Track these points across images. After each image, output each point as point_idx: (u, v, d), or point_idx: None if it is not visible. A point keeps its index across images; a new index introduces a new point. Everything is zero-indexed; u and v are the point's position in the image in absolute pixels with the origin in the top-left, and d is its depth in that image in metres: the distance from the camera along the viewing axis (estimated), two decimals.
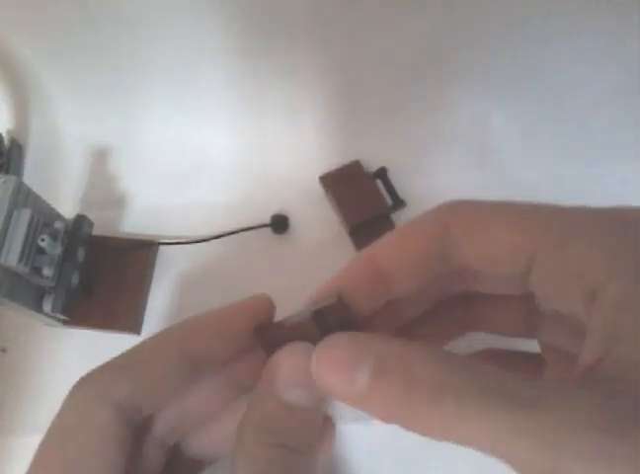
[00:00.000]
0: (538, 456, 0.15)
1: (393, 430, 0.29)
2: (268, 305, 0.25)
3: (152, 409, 0.24)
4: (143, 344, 0.24)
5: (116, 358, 0.24)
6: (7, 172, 0.38)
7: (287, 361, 0.22)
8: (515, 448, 0.15)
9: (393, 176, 0.37)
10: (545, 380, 0.18)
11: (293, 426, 0.21)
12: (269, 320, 0.25)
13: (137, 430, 0.23)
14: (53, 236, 0.31)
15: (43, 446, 0.22)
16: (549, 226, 0.20)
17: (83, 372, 0.36)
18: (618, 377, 0.16)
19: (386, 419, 0.18)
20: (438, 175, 0.39)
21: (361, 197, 0.37)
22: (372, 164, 0.38)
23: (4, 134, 0.38)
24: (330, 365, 0.19)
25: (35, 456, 0.22)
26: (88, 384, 0.23)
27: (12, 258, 0.29)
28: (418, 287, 0.22)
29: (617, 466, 0.14)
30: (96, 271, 0.36)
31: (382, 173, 0.37)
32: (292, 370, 0.21)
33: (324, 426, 0.25)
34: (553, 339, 0.24)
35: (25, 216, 0.30)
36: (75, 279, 0.34)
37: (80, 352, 0.35)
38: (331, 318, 0.21)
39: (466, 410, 0.16)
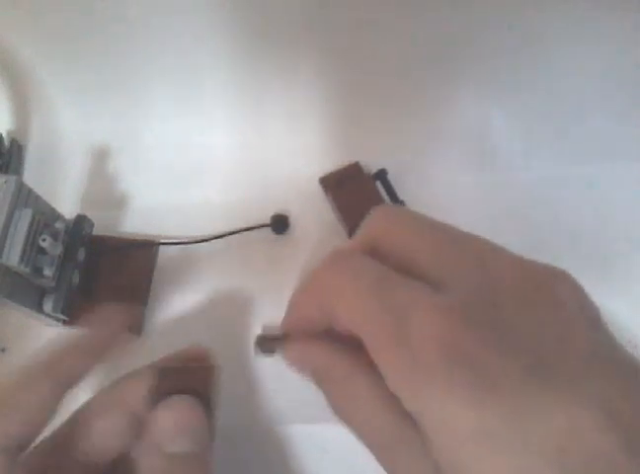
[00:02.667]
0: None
1: None
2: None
3: (34, 437, 0.24)
4: (9, 383, 0.24)
5: None
6: (7, 172, 0.38)
7: (164, 416, 0.23)
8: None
9: (393, 177, 0.37)
10: None
11: (179, 472, 0.23)
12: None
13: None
14: (54, 236, 0.31)
15: None
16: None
17: None
18: None
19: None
20: (438, 175, 0.39)
21: (361, 198, 0.37)
22: (372, 165, 0.38)
23: (4, 134, 0.38)
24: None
25: None
26: None
27: (13, 258, 0.29)
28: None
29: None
30: (96, 271, 0.36)
31: (382, 174, 0.37)
32: (170, 424, 0.23)
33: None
34: None
35: (26, 217, 0.30)
36: (75, 279, 0.34)
37: None
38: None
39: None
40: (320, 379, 0.23)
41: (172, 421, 0.24)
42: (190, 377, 0.26)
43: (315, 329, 0.23)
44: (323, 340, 0.23)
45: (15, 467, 0.23)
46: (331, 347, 0.22)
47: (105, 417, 0.25)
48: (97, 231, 0.36)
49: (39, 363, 0.25)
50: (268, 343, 0.26)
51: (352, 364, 0.21)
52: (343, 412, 0.22)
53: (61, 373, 0.24)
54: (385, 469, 0.21)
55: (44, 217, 0.32)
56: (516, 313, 0.19)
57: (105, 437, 0.25)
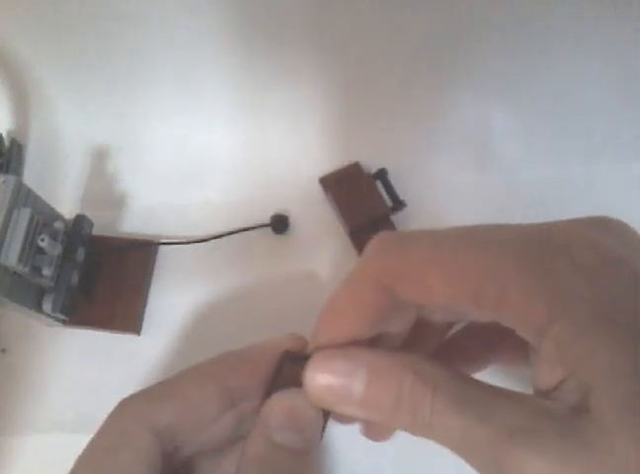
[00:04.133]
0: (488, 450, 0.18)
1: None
2: (300, 344, 0.26)
3: (185, 439, 0.24)
4: (183, 374, 0.25)
5: (157, 386, 0.25)
6: (7, 172, 0.38)
7: (278, 406, 0.23)
8: (469, 447, 0.19)
9: (393, 177, 0.37)
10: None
11: (283, 465, 0.22)
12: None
13: (166, 457, 0.24)
14: (53, 236, 0.31)
15: (82, 462, 0.23)
16: (489, 277, 0.20)
17: (83, 372, 0.36)
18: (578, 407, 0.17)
19: (381, 421, 0.21)
20: (438, 175, 0.38)
21: (361, 198, 0.37)
22: (372, 165, 0.38)
23: (4, 134, 0.38)
24: (326, 379, 0.21)
25: (72, 471, 0.22)
26: (130, 408, 0.24)
27: (12, 257, 0.29)
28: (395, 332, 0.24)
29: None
30: (96, 271, 0.36)
31: (382, 174, 0.37)
32: (283, 414, 0.23)
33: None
34: None
35: (24, 216, 0.30)
36: (75, 279, 0.34)
37: (80, 352, 0.35)
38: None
39: (436, 419, 0.19)
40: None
41: (287, 412, 0.23)
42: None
43: (362, 335, 0.22)
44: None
45: (160, 457, 0.23)
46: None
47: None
48: (96, 231, 0.36)
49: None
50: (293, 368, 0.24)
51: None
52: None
53: (230, 386, 0.25)
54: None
55: (43, 217, 0.32)
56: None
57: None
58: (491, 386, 0.19)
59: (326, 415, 0.24)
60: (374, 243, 0.22)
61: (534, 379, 0.19)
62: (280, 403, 0.23)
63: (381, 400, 0.20)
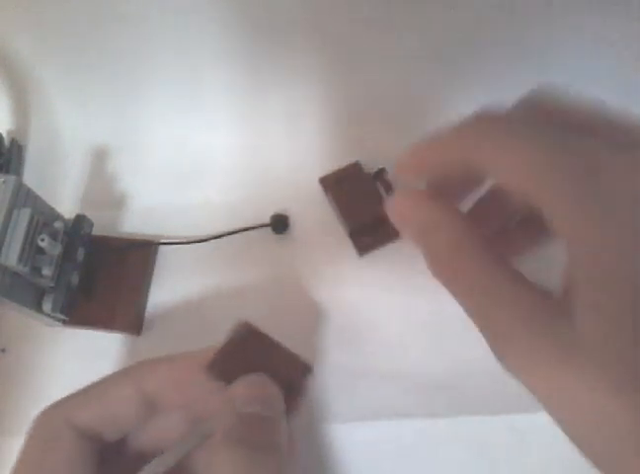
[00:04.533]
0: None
1: (393, 429, 0.29)
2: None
3: (112, 436, 0.27)
4: (106, 378, 0.27)
5: (77, 391, 0.27)
6: (7, 172, 0.38)
7: (243, 384, 0.25)
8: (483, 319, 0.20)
9: (393, 177, 0.37)
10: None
11: (253, 430, 0.24)
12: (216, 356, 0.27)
13: (101, 453, 0.26)
14: (53, 236, 0.31)
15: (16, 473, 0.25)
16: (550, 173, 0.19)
17: (83, 372, 0.36)
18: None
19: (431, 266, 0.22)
20: None
21: (361, 198, 0.37)
22: (372, 165, 0.38)
23: (4, 134, 0.38)
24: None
25: None
26: (53, 412, 0.26)
27: (11, 257, 0.29)
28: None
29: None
30: (96, 271, 0.36)
31: (382, 174, 0.37)
32: (248, 391, 0.25)
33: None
34: None
35: (24, 216, 0.30)
36: (75, 279, 0.34)
37: (80, 352, 0.35)
38: None
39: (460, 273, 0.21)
40: (425, 235, 0.22)
41: (248, 389, 0.25)
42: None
43: (437, 181, 0.24)
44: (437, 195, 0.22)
45: (90, 453, 0.25)
46: (446, 204, 0.22)
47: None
48: (96, 231, 0.36)
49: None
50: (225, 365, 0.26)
51: (467, 226, 0.21)
52: (445, 272, 0.21)
53: (146, 390, 0.27)
54: (486, 334, 0.20)
55: (43, 217, 0.32)
56: None
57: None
58: (512, 271, 0.20)
59: (296, 389, 0.27)
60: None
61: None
62: (245, 382, 0.25)
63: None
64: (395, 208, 0.24)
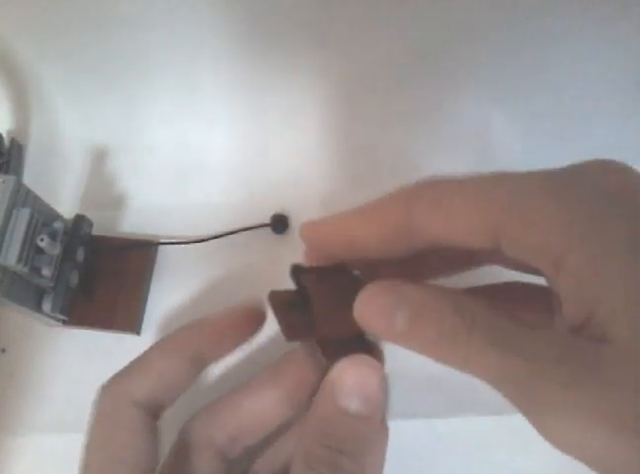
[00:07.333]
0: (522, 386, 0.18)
1: (392, 429, 0.29)
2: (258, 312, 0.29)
3: (171, 402, 0.28)
4: (151, 350, 0.28)
5: (132, 365, 0.27)
6: (7, 172, 0.38)
7: (345, 374, 0.23)
8: (505, 380, 0.19)
9: (393, 177, 0.37)
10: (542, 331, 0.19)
11: (347, 427, 0.23)
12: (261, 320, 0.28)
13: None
14: (53, 236, 0.31)
15: (89, 448, 0.25)
16: (510, 203, 0.20)
17: (83, 372, 0.36)
18: (603, 335, 0.17)
19: (422, 353, 0.21)
20: (437, 175, 0.38)
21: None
22: (372, 164, 0.38)
23: (4, 134, 0.38)
24: (372, 311, 0.22)
25: (83, 459, 0.25)
26: (113, 388, 0.27)
27: (11, 257, 0.29)
28: (389, 257, 0.24)
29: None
30: (96, 271, 0.36)
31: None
32: (349, 382, 0.23)
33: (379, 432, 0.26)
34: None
35: (24, 216, 0.30)
36: (75, 279, 0.34)
37: (80, 352, 0.35)
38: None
39: (474, 354, 0.19)
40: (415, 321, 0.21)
41: (353, 380, 0.23)
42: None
43: (360, 254, 0.23)
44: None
45: (152, 421, 0.26)
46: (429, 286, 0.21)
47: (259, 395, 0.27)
48: (96, 231, 0.36)
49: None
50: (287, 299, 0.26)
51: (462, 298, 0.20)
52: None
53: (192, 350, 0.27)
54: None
55: (43, 217, 0.32)
56: None
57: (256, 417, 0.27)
58: (526, 322, 0.19)
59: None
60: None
61: (564, 317, 0.19)
62: (347, 371, 0.23)
63: (423, 335, 0.20)
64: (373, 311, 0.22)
